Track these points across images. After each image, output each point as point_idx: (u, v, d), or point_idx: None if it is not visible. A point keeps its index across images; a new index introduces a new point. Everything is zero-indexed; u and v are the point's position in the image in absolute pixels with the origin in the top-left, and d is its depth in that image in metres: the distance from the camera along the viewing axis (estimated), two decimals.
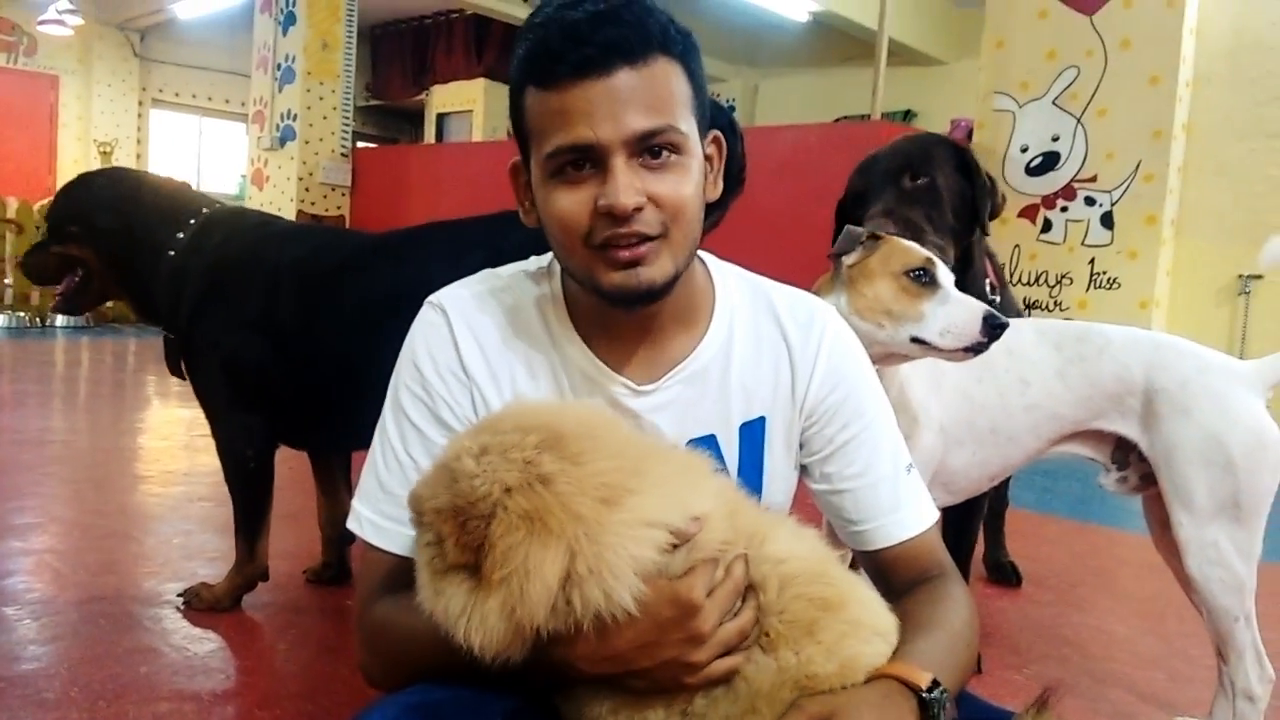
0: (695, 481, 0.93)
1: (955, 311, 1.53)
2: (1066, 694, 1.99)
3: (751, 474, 1.15)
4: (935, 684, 0.91)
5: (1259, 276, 5.62)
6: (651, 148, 0.99)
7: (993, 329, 1.51)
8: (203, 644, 2.01)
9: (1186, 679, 2.18)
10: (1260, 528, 1.63)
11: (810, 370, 1.15)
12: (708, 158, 1.08)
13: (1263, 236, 1.83)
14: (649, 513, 0.86)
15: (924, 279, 1.56)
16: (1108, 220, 5.91)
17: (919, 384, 1.80)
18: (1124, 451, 1.83)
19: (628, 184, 0.98)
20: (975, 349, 1.52)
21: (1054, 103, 6.10)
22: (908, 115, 9.48)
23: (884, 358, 1.60)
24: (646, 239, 1.00)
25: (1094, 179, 5.96)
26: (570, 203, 1.01)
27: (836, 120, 9.22)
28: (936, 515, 1.17)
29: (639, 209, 0.99)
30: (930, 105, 9.40)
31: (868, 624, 0.91)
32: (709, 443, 1.14)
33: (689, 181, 1.02)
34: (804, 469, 1.18)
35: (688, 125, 1.02)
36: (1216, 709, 1.81)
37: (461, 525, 0.82)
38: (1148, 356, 1.72)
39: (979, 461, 1.86)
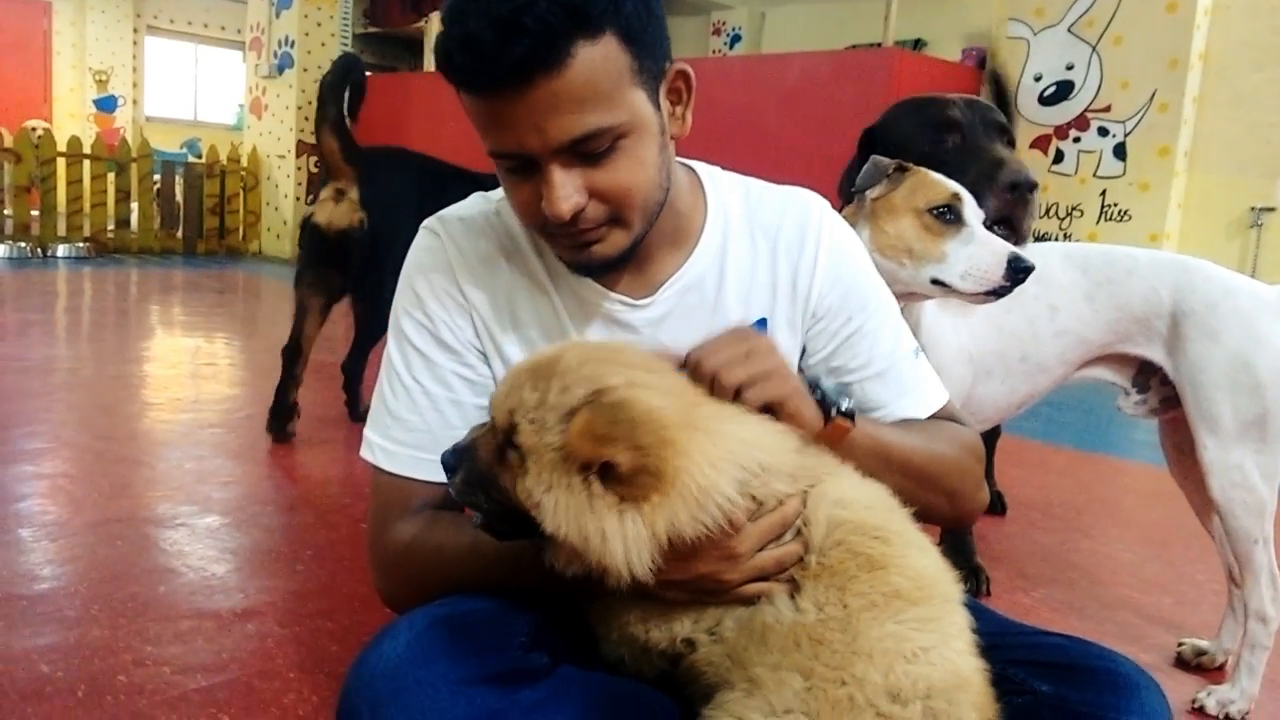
0: (765, 425, 0.92)
1: (978, 253, 1.46)
2: (1075, 616, 2.03)
3: None
4: (825, 392, 0.99)
5: (1271, 209, 5.56)
6: (585, 151, 0.96)
7: (1016, 273, 1.44)
8: (220, 564, 2.03)
9: (1193, 602, 2.21)
10: None
11: (812, 268, 1.15)
12: (675, 90, 1.04)
13: (1276, 168, 1.79)
14: (735, 453, 0.87)
15: (948, 216, 1.49)
16: (1120, 151, 5.83)
17: (946, 316, 1.77)
18: (1145, 375, 1.82)
19: (563, 194, 0.96)
20: (998, 292, 1.46)
21: (1069, 30, 5.97)
22: (918, 44, 9.28)
23: (905, 295, 1.55)
24: (594, 228, 1.00)
25: (1108, 109, 5.86)
26: (518, 195, 1.01)
27: (847, 48, 9.04)
28: (945, 396, 1.18)
29: (580, 209, 0.98)
30: (941, 34, 9.19)
31: (905, 595, 0.87)
32: None
33: (635, 161, 0.99)
34: (802, 373, 1.16)
35: (627, 105, 0.96)
36: (1224, 631, 1.84)
37: (631, 441, 0.82)
38: (1175, 279, 1.71)
39: (1007, 390, 1.84)
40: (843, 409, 0.99)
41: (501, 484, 0.88)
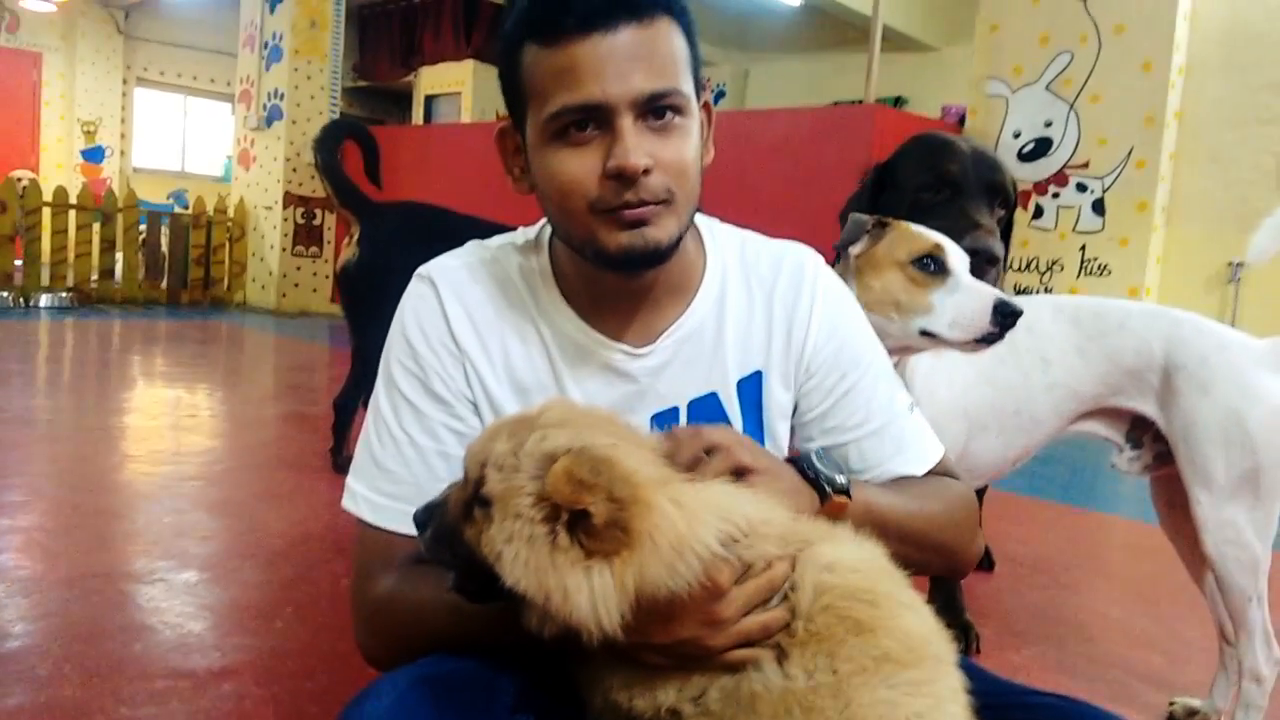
0: (755, 493, 0.91)
1: (963, 301, 1.44)
2: (1066, 674, 2.01)
3: (753, 431, 1.14)
4: (820, 472, 1.00)
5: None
6: (657, 109, 0.98)
7: (1004, 318, 1.42)
8: (197, 621, 1.99)
9: (1183, 660, 2.19)
10: (1277, 507, 1.62)
11: (806, 323, 1.14)
12: (700, 122, 1.07)
13: (1253, 224, 1.80)
14: (718, 503, 0.85)
15: (931, 267, 1.48)
16: (1099, 207, 5.91)
17: (939, 373, 1.76)
18: (1139, 431, 1.81)
19: (636, 145, 0.96)
20: (987, 339, 1.44)
21: (1047, 88, 6.09)
22: (899, 101, 9.45)
23: (898, 350, 1.54)
24: (651, 203, 0.99)
25: (1086, 165, 5.96)
26: (575, 166, 0.99)
27: (830, 105, 9.19)
28: (941, 451, 1.17)
29: (647, 171, 0.97)
30: (921, 92, 9.36)
31: (896, 658, 0.84)
32: (711, 401, 1.13)
33: (691, 144, 1.02)
34: (794, 430, 1.16)
35: (688, 88, 1.01)
36: (1217, 689, 1.82)
37: (610, 493, 0.80)
38: (1167, 332, 1.70)
39: (1003, 444, 1.83)
40: (838, 486, 0.99)
41: (466, 539, 0.86)
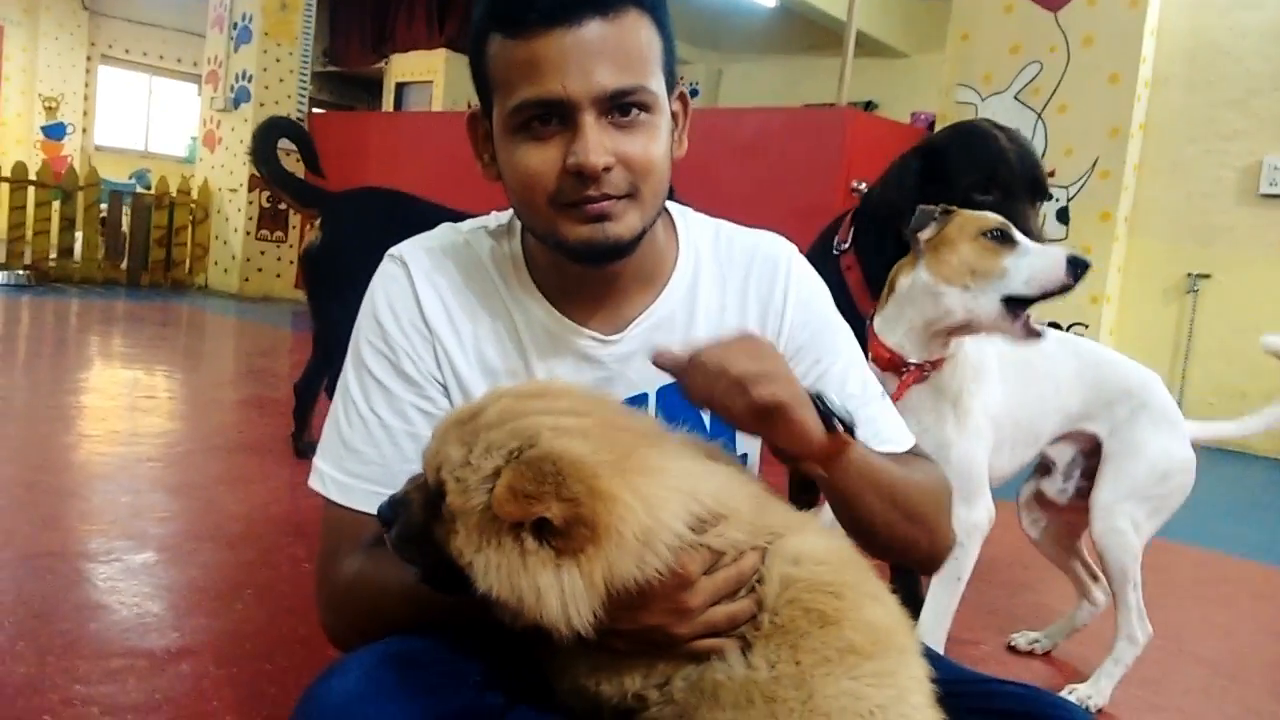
0: (723, 473, 0.91)
1: (1035, 261, 1.58)
2: (1023, 668, 2.04)
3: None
4: (834, 407, 0.95)
5: (1207, 275, 5.75)
6: (622, 106, 0.97)
7: (1075, 269, 1.54)
8: (155, 602, 1.96)
9: (1143, 659, 2.22)
10: (1156, 527, 1.99)
11: (781, 310, 1.15)
12: (673, 114, 1.07)
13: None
14: (683, 487, 0.84)
15: (1000, 237, 1.62)
16: (1064, 215, 5.99)
17: (991, 394, 1.86)
18: (1076, 461, 2.08)
19: (597, 143, 0.96)
20: (1061, 291, 1.56)
21: (1016, 97, 6.16)
22: (869, 106, 9.52)
23: (962, 327, 1.65)
24: (614, 197, 0.99)
25: (1052, 174, 6.02)
26: (537, 160, 0.98)
27: (802, 107, 9.24)
28: (910, 440, 1.18)
29: (608, 169, 0.97)
30: (891, 97, 9.45)
31: (860, 650, 0.85)
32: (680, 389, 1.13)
33: (658, 140, 1.01)
34: None
35: (657, 83, 1.00)
36: (1056, 626, 2.24)
37: (560, 494, 0.79)
38: (1144, 379, 2.02)
39: (1015, 460, 1.98)
40: (846, 422, 0.96)
41: (435, 540, 0.86)
